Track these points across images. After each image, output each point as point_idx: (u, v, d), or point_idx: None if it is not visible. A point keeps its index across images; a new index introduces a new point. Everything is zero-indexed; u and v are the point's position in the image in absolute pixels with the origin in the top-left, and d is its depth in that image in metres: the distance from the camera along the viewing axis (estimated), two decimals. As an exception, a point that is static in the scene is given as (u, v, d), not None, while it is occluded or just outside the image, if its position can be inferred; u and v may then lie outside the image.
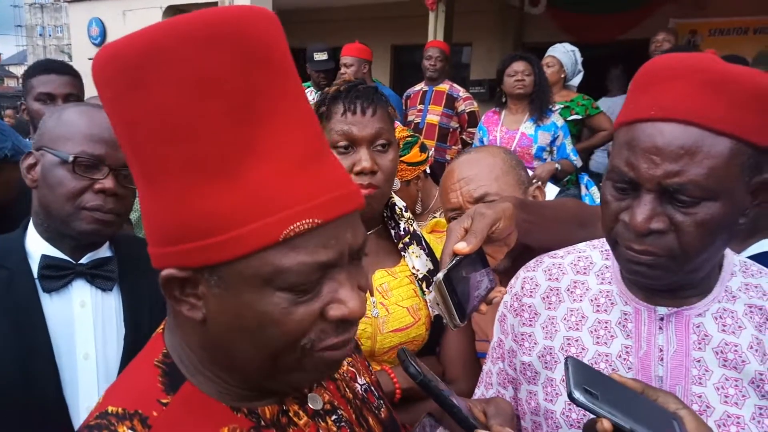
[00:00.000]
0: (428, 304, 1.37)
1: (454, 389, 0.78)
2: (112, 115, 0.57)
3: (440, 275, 0.81)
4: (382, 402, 0.83)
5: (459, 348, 1.39)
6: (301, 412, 0.68)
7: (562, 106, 3.83)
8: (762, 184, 0.78)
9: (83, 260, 1.18)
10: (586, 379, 0.68)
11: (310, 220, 0.54)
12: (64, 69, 2.15)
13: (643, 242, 0.78)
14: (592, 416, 0.80)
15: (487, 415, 0.77)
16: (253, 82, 0.53)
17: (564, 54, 3.96)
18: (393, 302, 1.33)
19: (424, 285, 1.38)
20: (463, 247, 0.84)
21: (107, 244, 1.25)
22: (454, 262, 0.84)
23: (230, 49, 0.52)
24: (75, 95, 2.10)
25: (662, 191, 0.76)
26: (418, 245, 1.41)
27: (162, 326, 0.69)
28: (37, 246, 1.16)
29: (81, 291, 1.17)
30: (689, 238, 0.76)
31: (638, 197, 0.78)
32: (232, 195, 0.53)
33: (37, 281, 1.13)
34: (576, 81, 4.08)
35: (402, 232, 1.40)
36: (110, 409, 0.60)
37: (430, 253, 1.42)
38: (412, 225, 1.42)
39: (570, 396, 0.66)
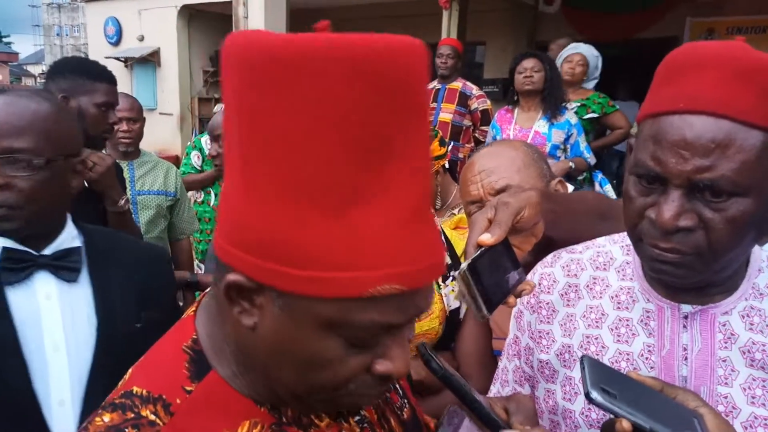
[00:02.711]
0: (444, 299, 1.36)
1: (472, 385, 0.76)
2: (232, 99, 0.54)
3: (464, 266, 0.78)
4: (405, 401, 0.81)
5: (475, 345, 1.37)
6: (323, 414, 0.67)
7: (578, 104, 3.80)
8: None
9: (46, 251, 1.16)
10: (604, 378, 0.66)
11: (397, 287, 0.52)
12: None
13: (670, 240, 0.75)
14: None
15: (508, 412, 0.75)
16: (384, 123, 0.50)
17: (591, 57, 3.92)
18: None
19: (440, 279, 1.36)
20: (487, 238, 0.81)
21: (75, 233, 1.22)
22: (478, 252, 0.80)
23: (370, 84, 0.49)
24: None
25: (691, 187, 0.72)
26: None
27: (194, 308, 0.68)
28: None
29: (45, 283, 1.14)
30: (718, 235, 0.73)
31: (665, 193, 0.74)
32: (329, 234, 0.50)
33: None
34: (590, 85, 4.05)
35: None
36: (135, 389, 0.60)
37: (448, 248, 1.40)
38: None
39: (587, 396, 0.64)
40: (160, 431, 0.57)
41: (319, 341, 0.54)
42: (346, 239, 0.50)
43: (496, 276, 0.83)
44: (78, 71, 2.00)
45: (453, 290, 1.38)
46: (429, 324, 1.33)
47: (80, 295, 1.17)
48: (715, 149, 0.70)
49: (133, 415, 0.57)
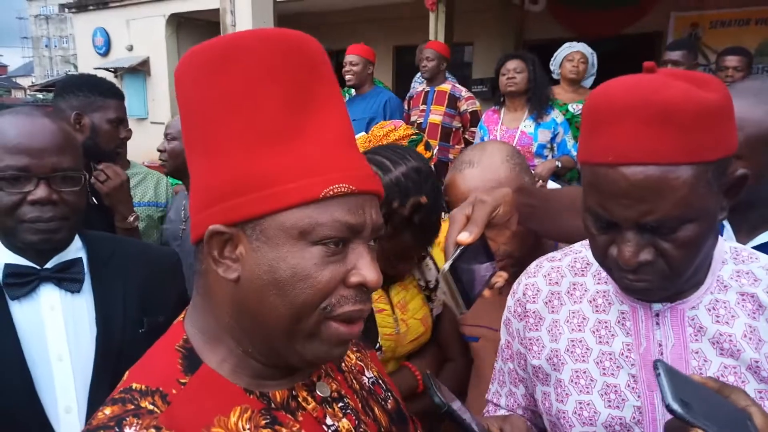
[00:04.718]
0: (432, 312, 1.46)
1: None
2: (187, 98, 0.68)
3: (446, 267, 0.84)
4: (389, 394, 0.86)
5: (452, 333, 1.49)
6: (309, 398, 0.72)
7: (580, 105, 3.82)
8: (730, 182, 0.80)
9: (49, 264, 1.19)
10: (678, 386, 0.69)
11: (346, 186, 0.64)
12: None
13: (636, 273, 0.81)
14: (623, 414, 0.85)
15: None
16: (306, 79, 0.66)
17: (589, 54, 3.95)
18: (410, 316, 1.42)
19: (432, 293, 1.47)
20: (465, 237, 0.88)
21: (79, 244, 1.26)
22: (458, 252, 0.86)
23: (293, 53, 0.66)
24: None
25: (640, 226, 0.78)
26: (429, 257, 1.49)
27: (182, 315, 0.75)
28: (0, 256, 1.17)
29: (49, 295, 1.18)
30: (677, 260, 0.79)
31: (620, 234, 0.80)
32: (282, 159, 0.63)
33: (3, 289, 1.14)
34: (588, 83, 4.08)
35: None
36: (134, 385, 0.66)
37: (435, 265, 1.51)
38: None
39: (668, 408, 0.66)
40: (158, 417, 0.62)
41: (296, 254, 0.63)
42: (296, 160, 0.63)
43: (472, 271, 0.88)
44: (88, 89, 2.05)
45: (439, 300, 1.50)
46: (425, 337, 1.46)
47: (82, 305, 1.21)
48: (651, 194, 0.74)
49: (133, 407, 0.63)
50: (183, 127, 0.70)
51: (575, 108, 3.78)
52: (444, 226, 1.59)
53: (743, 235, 1.31)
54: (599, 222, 0.82)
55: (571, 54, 3.90)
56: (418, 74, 5.21)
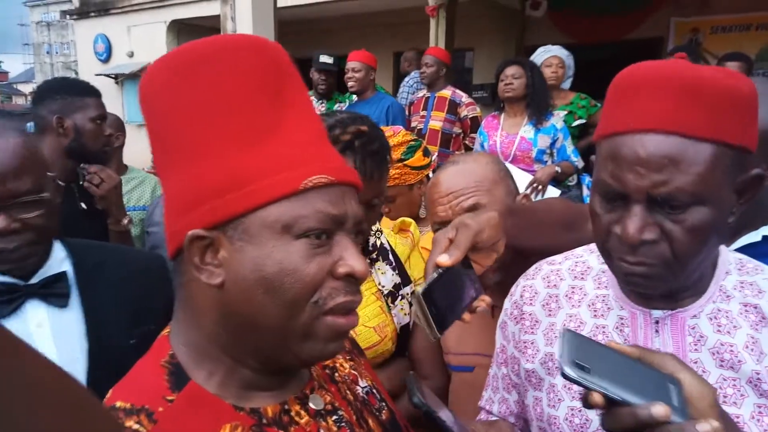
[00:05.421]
0: (395, 318, 1.42)
1: (434, 389, 0.79)
2: (157, 105, 0.66)
3: (420, 289, 0.83)
4: (384, 404, 0.85)
5: (427, 348, 1.43)
6: (302, 412, 0.70)
7: (565, 111, 3.81)
8: (746, 182, 0.79)
9: (34, 280, 1.14)
10: (581, 351, 0.66)
11: (325, 177, 0.63)
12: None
13: (637, 254, 0.78)
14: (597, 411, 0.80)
15: None
16: (279, 80, 0.67)
17: (565, 57, 3.96)
18: (360, 323, 1.37)
19: (389, 300, 1.42)
20: (445, 260, 0.87)
21: (63, 255, 1.21)
22: (435, 275, 0.85)
23: (265, 56, 0.67)
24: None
25: (651, 201, 0.76)
26: (384, 260, 1.44)
27: (167, 330, 0.73)
28: None
29: (36, 311, 1.13)
30: (681, 245, 0.77)
31: (627, 208, 0.78)
32: (260, 156, 0.63)
33: None
34: (566, 85, 4.07)
35: (370, 248, 1.41)
36: (119, 404, 0.63)
37: (396, 266, 1.47)
38: (379, 238, 1.45)
39: (561, 372, 0.65)
40: None
41: (281, 248, 0.62)
42: (273, 155, 0.63)
43: (451, 297, 0.87)
44: (65, 91, 2.03)
45: (402, 309, 1.45)
46: (383, 348, 1.40)
47: (71, 319, 1.16)
48: (669, 164, 0.74)
49: None
50: (152, 138, 0.68)
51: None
52: (421, 252, 1.59)
53: (731, 234, 1.29)
54: (607, 197, 0.80)
55: (549, 59, 3.90)
56: (407, 78, 5.25)
